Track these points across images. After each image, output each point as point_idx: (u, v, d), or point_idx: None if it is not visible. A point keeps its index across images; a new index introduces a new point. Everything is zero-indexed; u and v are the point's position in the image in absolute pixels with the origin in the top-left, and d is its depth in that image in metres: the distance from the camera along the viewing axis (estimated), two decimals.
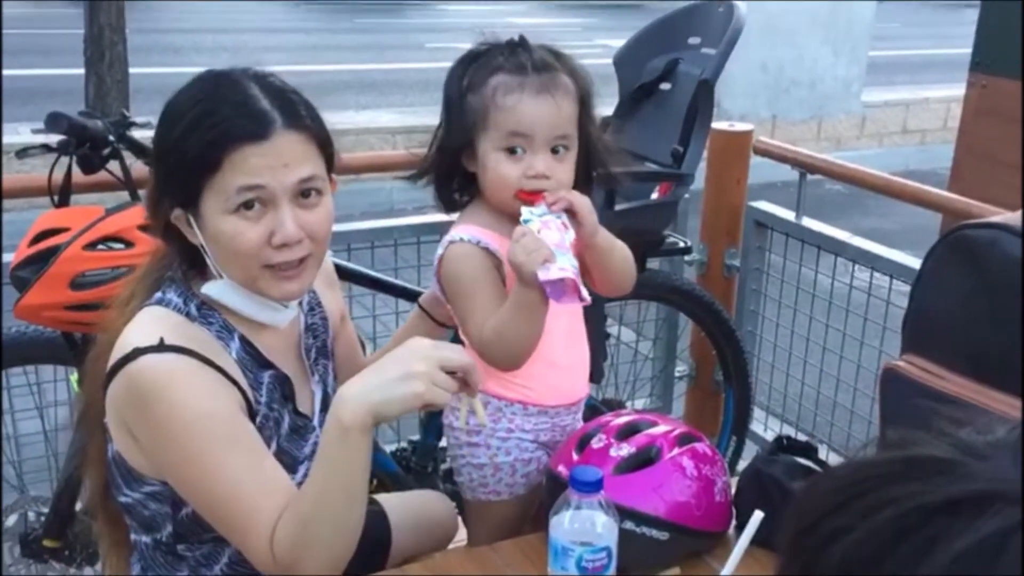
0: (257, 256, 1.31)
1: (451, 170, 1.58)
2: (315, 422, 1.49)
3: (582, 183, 1.57)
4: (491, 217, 1.57)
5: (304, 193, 1.32)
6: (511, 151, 1.50)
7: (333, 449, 1.25)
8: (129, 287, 1.42)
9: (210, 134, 1.28)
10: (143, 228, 1.82)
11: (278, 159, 1.29)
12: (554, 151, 1.51)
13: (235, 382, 1.33)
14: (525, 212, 1.46)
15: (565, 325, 1.60)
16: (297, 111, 1.33)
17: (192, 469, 1.28)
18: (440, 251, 1.57)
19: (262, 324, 1.41)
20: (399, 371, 1.23)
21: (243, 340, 1.39)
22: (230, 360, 1.35)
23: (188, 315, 1.35)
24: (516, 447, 1.64)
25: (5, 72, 9.76)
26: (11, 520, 2.30)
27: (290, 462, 1.40)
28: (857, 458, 0.62)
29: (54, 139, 2.00)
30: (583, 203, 1.49)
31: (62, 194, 2.01)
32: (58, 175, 2.02)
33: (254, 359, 1.40)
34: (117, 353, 1.29)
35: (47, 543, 2.16)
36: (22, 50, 10.91)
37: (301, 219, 1.32)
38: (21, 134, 6.76)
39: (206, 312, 1.37)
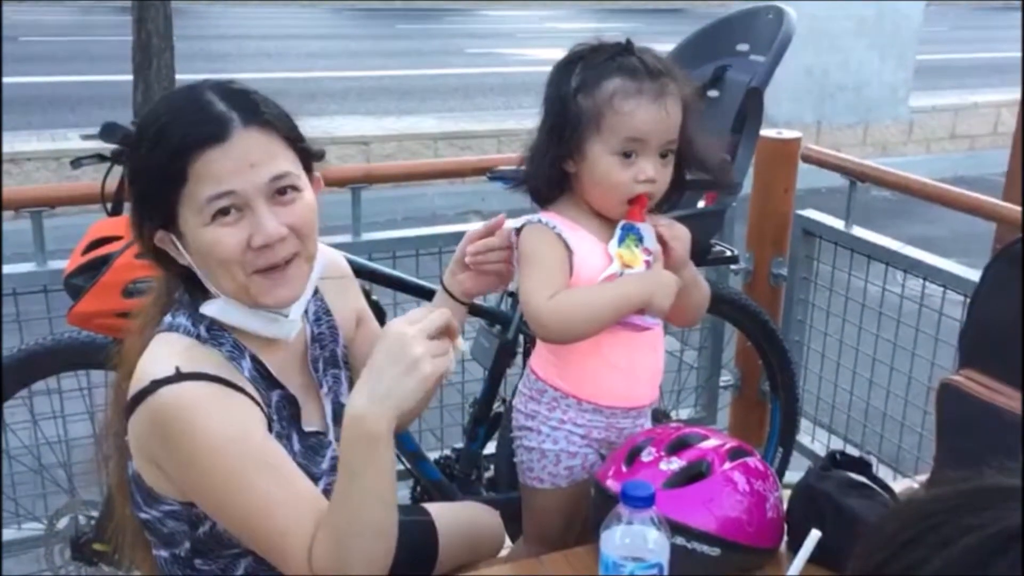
0: (241, 262, 1.27)
1: (552, 170, 1.57)
2: (330, 436, 1.46)
3: (675, 187, 1.61)
4: (577, 213, 1.59)
5: (280, 191, 1.28)
6: (625, 155, 1.52)
7: (362, 462, 1.22)
8: (142, 315, 1.40)
9: (170, 146, 1.24)
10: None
11: (243, 160, 1.24)
12: (662, 156, 1.54)
13: (255, 400, 1.30)
14: (643, 228, 1.56)
15: (629, 331, 1.61)
16: (255, 108, 1.28)
17: (223, 495, 1.25)
18: (519, 224, 1.59)
19: (269, 340, 1.37)
20: (399, 365, 1.20)
21: (254, 359, 1.36)
22: (244, 380, 1.32)
23: (199, 337, 1.31)
24: (564, 438, 1.65)
25: (53, 79, 9.96)
26: (62, 523, 2.33)
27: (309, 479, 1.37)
28: (921, 494, 0.63)
29: (108, 148, 2.02)
30: (679, 234, 1.57)
31: (115, 203, 2.03)
32: (111, 184, 2.04)
33: (264, 378, 1.37)
34: (136, 385, 1.26)
35: (97, 546, 2.19)
36: (70, 57, 11.11)
37: (280, 217, 1.27)
38: (70, 139, 6.88)
39: (216, 333, 1.33)
